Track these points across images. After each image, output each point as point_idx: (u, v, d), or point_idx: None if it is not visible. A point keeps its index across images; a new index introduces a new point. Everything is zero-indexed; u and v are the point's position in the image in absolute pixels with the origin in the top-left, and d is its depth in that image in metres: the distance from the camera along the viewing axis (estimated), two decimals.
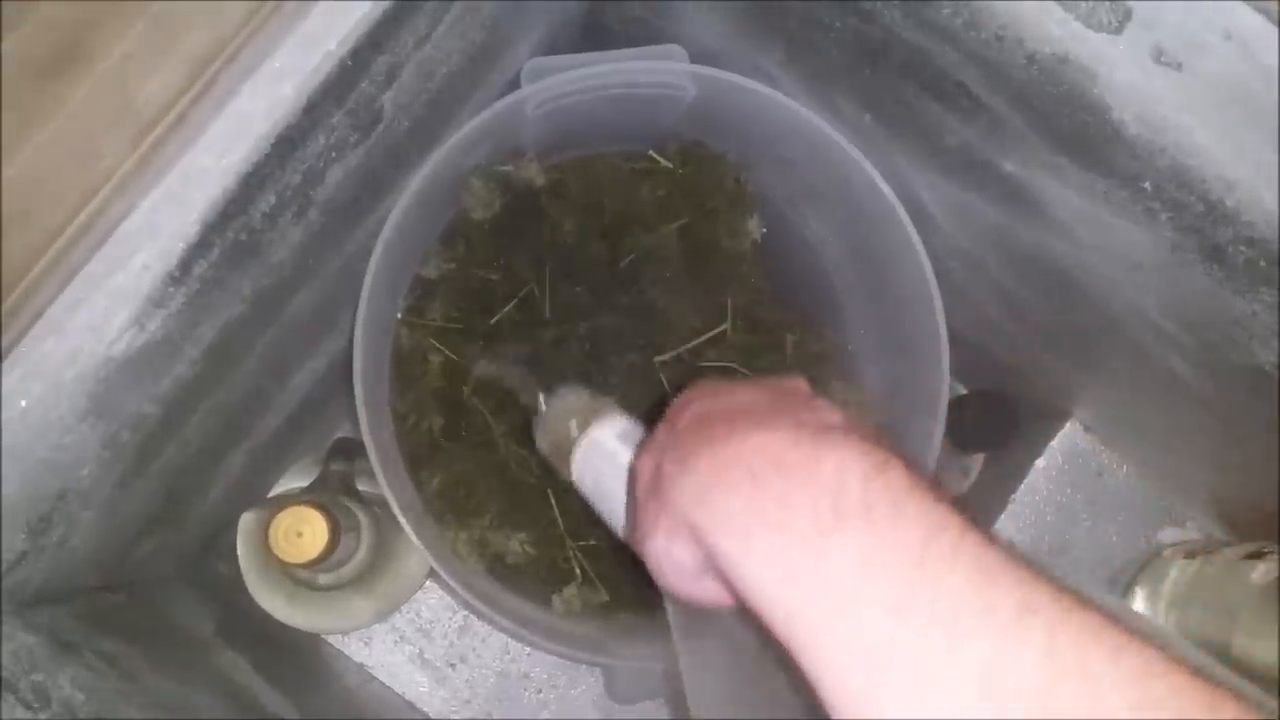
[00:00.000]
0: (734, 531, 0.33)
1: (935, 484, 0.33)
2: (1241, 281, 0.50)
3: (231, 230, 0.41)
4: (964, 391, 0.78)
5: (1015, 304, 0.67)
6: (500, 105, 0.59)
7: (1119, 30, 0.43)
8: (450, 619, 0.86)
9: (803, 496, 0.32)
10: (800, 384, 0.41)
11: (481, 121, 0.58)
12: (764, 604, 0.32)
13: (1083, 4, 0.43)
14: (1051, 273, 0.60)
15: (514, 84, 0.60)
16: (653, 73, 0.62)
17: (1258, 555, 0.64)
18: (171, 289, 0.40)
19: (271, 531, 0.63)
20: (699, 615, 0.41)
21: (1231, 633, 0.60)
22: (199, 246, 0.39)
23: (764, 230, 0.71)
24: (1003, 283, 0.65)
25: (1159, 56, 0.43)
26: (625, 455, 0.49)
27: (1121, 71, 0.44)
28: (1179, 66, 0.43)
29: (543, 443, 0.56)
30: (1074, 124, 0.48)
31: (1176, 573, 0.70)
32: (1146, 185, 0.48)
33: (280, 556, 0.63)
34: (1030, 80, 0.48)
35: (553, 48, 0.66)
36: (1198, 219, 0.48)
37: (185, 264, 0.39)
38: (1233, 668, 0.62)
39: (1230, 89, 0.42)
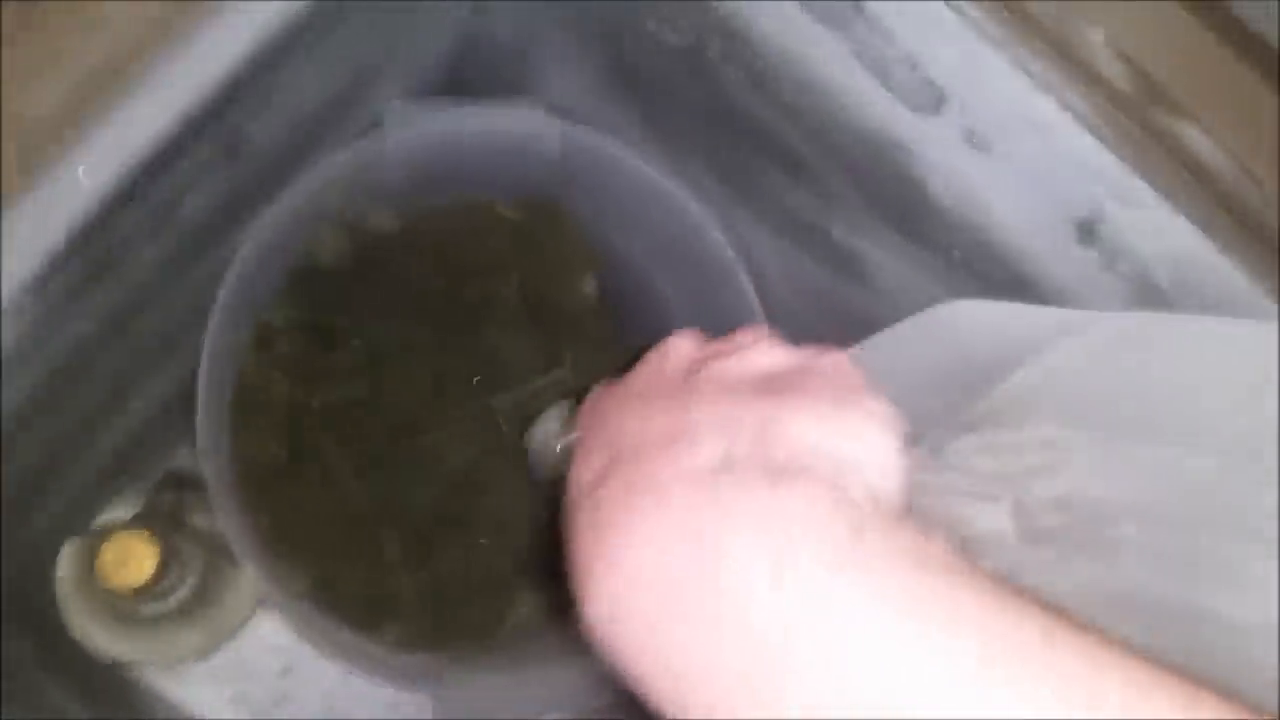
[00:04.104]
0: (656, 679, 0.27)
1: (863, 522, 0.26)
2: None
3: (94, 247, 0.42)
4: None
5: None
6: (356, 147, 0.60)
7: (936, 111, 0.48)
8: (274, 660, 0.85)
9: (713, 640, 0.26)
10: (682, 356, 0.35)
11: (335, 162, 0.59)
12: None
13: (904, 86, 0.48)
14: (872, 334, 0.65)
15: (375, 125, 0.62)
16: (515, 122, 0.65)
17: None
18: (30, 301, 0.40)
19: (99, 557, 0.62)
20: None
21: None
22: (62, 260, 0.40)
23: (598, 292, 0.74)
24: (830, 341, 0.70)
25: (970, 138, 0.48)
26: None
27: (936, 151, 0.50)
28: (987, 149, 0.48)
29: (535, 464, 0.55)
30: (895, 196, 0.53)
31: None
32: (956, 254, 0.54)
33: (106, 583, 0.62)
34: (859, 155, 0.53)
35: (417, 92, 0.68)
36: (1000, 286, 0.54)
37: (45, 277, 0.40)
38: None
39: (1031, 171, 0.48)
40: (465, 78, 0.71)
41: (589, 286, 0.73)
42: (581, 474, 0.32)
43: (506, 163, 0.68)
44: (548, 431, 0.53)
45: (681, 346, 0.35)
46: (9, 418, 0.47)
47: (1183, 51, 0.44)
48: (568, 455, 0.48)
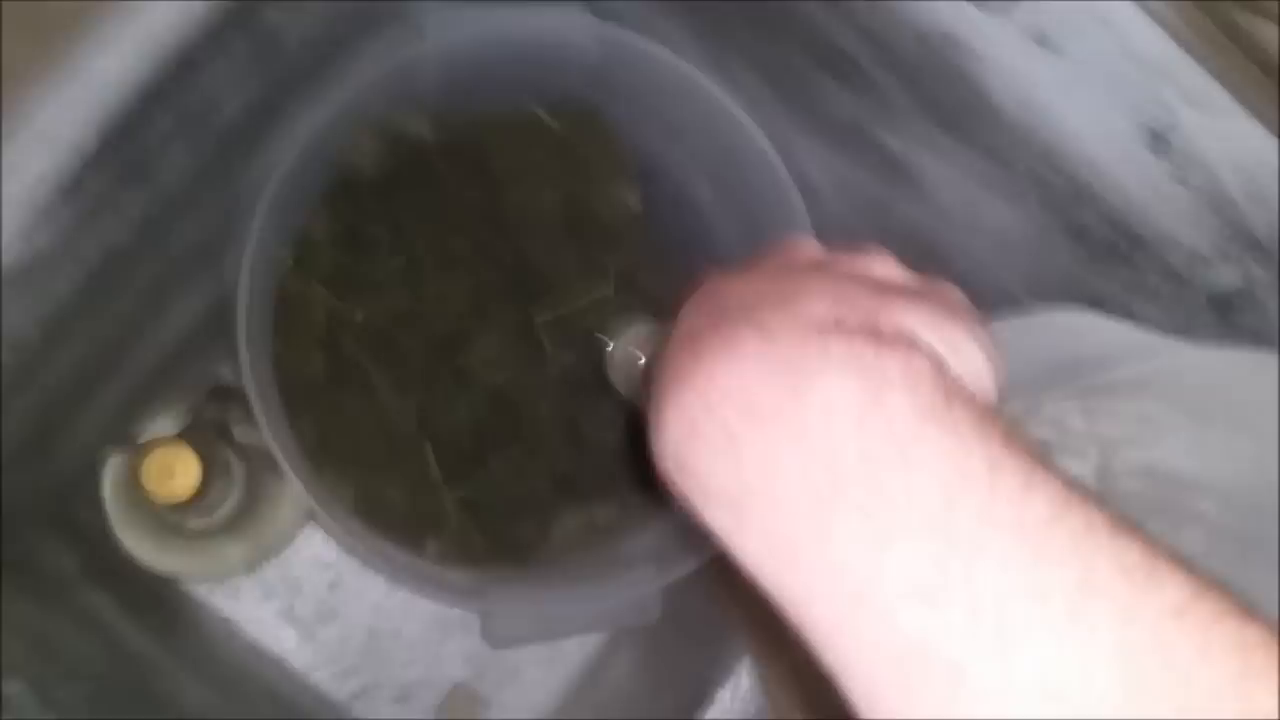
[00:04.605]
0: (720, 503, 0.27)
1: (963, 398, 0.26)
2: (1101, 261, 0.54)
3: (127, 148, 0.41)
4: None
5: None
6: (395, 52, 0.59)
7: (1006, 12, 0.45)
8: (321, 575, 0.85)
9: (790, 456, 0.26)
10: (812, 251, 0.34)
11: (375, 67, 0.58)
12: (770, 589, 0.26)
13: None
14: (926, 249, 0.63)
15: (415, 29, 0.60)
16: (556, 28, 0.63)
17: None
18: (62, 203, 0.40)
19: (144, 469, 0.62)
20: None
21: None
22: (95, 161, 0.39)
23: (641, 205, 0.72)
24: None
25: (1040, 39, 0.46)
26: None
27: (1004, 53, 0.47)
28: (1058, 50, 0.46)
29: (618, 381, 0.53)
30: (957, 103, 0.51)
31: None
32: (1020, 165, 0.51)
33: (151, 495, 0.62)
34: (919, 58, 0.50)
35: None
36: (1065, 199, 0.51)
37: (79, 178, 0.39)
38: None
39: (1103, 75, 0.45)
40: None
41: (632, 197, 0.71)
42: (675, 331, 0.32)
43: (546, 68, 0.66)
44: (629, 349, 0.51)
45: (806, 245, 0.35)
46: (46, 323, 0.47)
47: None
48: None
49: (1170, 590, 0.22)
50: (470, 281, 0.69)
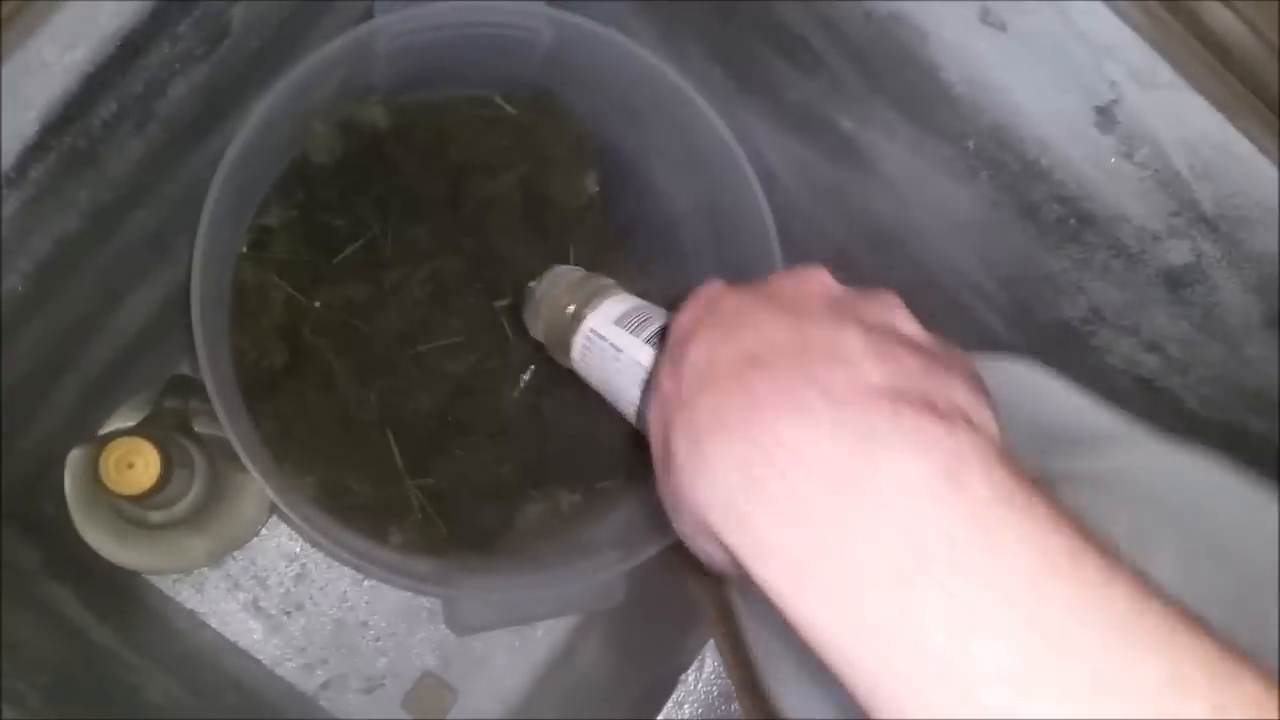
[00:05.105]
0: (779, 563, 0.27)
1: (1033, 484, 0.26)
2: (1052, 239, 0.54)
3: (70, 135, 0.40)
4: None
5: (849, 262, 0.70)
6: (349, 36, 0.58)
7: None
8: (286, 567, 0.85)
9: (866, 527, 0.26)
10: (826, 286, 0.33)
11: (328, 52, 0.57)
12: (832, 656, 0.26)
13: None
14: (881, 231, 0.63)
15: (366, 15, 0.60)
16: (509, 12, 0.62)
17: None
18: (6, 192, 0.39)
19: (102, 462, 0.62)
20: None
21: None
22: (36, 148, 0.38)
23: (599, 187, 0.72)
24: (837, 240, 0.68)
25: (985, 16, 0.46)
26: (632, 347, 0.43)
27: (950, 30, 0.47)
28: (1003, 27, 0.46)
29: (535, 327, 0.50)
30: (905, 82, 0.51)
31: None
32: (970, 144, 0.52)
33: (111, 488, 0.62)
34: (867, 38, 0.51)
35: None
36: (1015, 178, 0.52)
37: (21, 165, 0.38)
38: None
39: (1049, 51, 0.46)
40: None
41: (591, 184, 0.71)
42: (693, 355, 0.32)
43: (500, 55, 0.66)
44: (556, 292, 0.48)
45: (822, 277, 0.34)
46: (2, 318, 0.47)
47: None
48: (573, 322, 0.45)
49: (1249, 683, 0.23)
50: (429, 269, 0.69)
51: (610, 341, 0.43)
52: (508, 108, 0.70)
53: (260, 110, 0.55)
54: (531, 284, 0.50)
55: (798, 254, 0.68)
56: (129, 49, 0.39)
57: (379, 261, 0.69)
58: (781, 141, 0.64)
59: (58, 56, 0.36)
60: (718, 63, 0.61)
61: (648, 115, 0.66)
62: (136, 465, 0.62)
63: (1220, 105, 0.43)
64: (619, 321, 0.44)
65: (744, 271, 0.66)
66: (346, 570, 0.83)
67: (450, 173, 0.70)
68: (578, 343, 0.45)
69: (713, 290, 0.34)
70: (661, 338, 0.41)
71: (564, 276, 0.48)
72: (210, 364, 0.57)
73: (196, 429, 0.72)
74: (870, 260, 0.69)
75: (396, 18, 0.60)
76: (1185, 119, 0.44)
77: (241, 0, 0.46)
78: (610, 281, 0.48)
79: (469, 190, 0.70)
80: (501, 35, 0.64)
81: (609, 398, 0.44)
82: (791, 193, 0.67)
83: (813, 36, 0.53)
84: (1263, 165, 0.44)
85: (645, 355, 0.42)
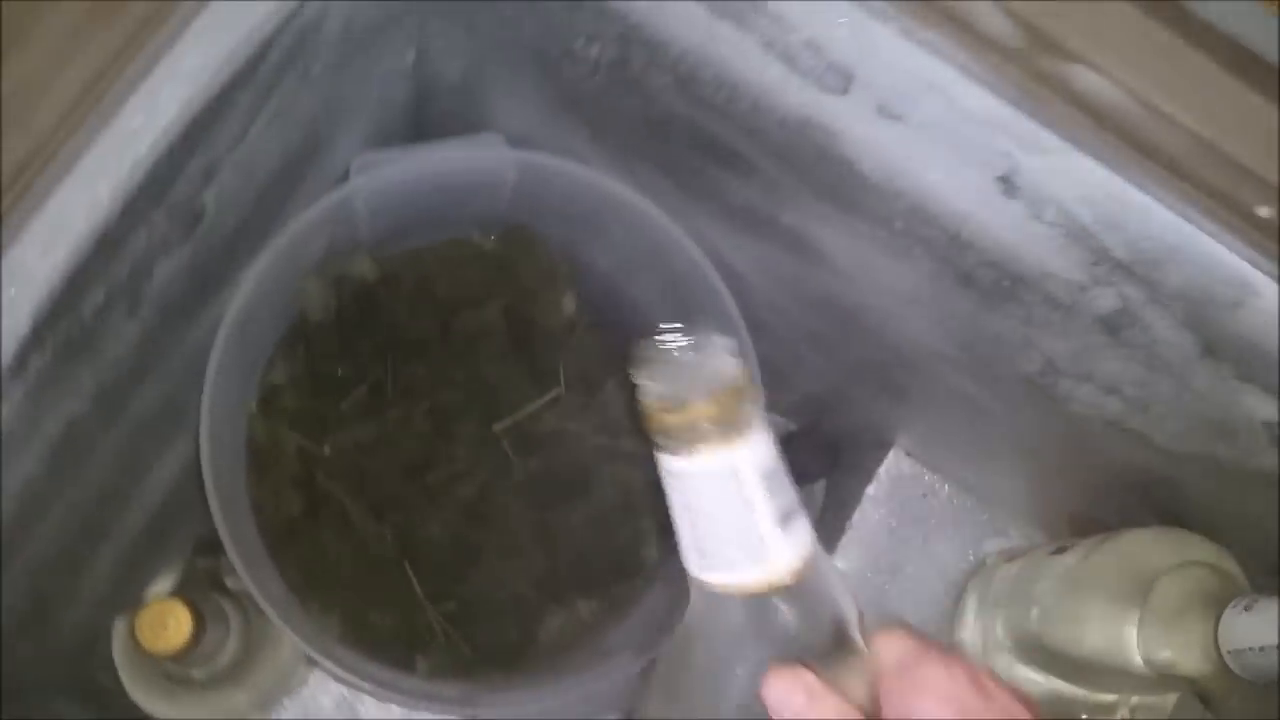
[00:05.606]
0: None
1: None
2: (992, 300, 0.57)
3: (64, 325, 0.45)
4: (794, 429, 0.84)
5: (822, 344, 0.73)
6: (327, 200, 0.63)
7: (845, 91, 0.49)
8: (335, 708, 0.88)
9: None
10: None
11: (310, 217, 0.62)
12: None
13: (812, 70, 0.49)
14: (843, 312, 0.66)
15: (343, 177, 0.65)
16: (474, 160, 0.67)
17: (1062, 550, 0.70)
18: (10, 384, 0.43)
19: (137, 625, 0.65)
20: None
21: (1036, 621, 0.66)
22: (32, 341, 0.43)
23: (577, 305, 0.77)
24: (807, 325, 0.71)
25: (883, 111, 0.50)
26: (764, 505, 0.35)
27: (857, 127, 0.51)
28: (900, 118, 0.49)
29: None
30: (829, 176, 0.55)
31: (1000, 576, 0.76)
32: (898, 224, 0.55)
33: (147, 649, 0.65)
34: (787, 142, 0.54)
35: (380, 141, 0.71)
36: (944, 249, 0.55)
37: (20, 357, 0.43)
38: (1045, 655, 0.68)
39: (945, 133, 0.49)
40: (427, 121, 0.74)
41: (569, 304, 0.75)
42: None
43: (472, 198, 0.70)
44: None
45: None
46: (20, 498, 0.50)
47: None
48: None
49: None
50: (429, 403, 0.73)
51: (744, 493, 0.35)
52: (485, 244, 0.75)
53: (252, 277, 0.60)
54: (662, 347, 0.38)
55: (779, 343, 0.72)
56: (107, 244, 0.43)
57: (382, 403, 0.73)
58: (737, 240, 0.67)
59: (39, 259, 0.41)
60: (667, 176, 0.65)
61: (613, 232, 0.70)
62: (169, 626, 0.65)
63: (1105, 161, 0.46)
64: (766, 476, 0.36)
65: None
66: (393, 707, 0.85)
67: (439, 311, 0.74)
68: (704, 456, 0.35)
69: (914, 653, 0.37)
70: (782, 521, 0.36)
71: (725, 361, 0.36)
72: (226, 521, 0.60)
73: (229, 585, 0.75)
74: (840, 340, 0.72)
75: (372, 176, 0.65)
76: (1078, 178, 0.47)
77: (212, 185, 0.51)
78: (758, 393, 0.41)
79: (457, 325, 0.74)
80: (470, 180, 0.69)
81: (682, 514, 0.37)
82: (758, 287, 0.71)
83: (740, 145, 0.57)
84: (1157, 210, 0.47)
85: (768, 531, 0.36)
